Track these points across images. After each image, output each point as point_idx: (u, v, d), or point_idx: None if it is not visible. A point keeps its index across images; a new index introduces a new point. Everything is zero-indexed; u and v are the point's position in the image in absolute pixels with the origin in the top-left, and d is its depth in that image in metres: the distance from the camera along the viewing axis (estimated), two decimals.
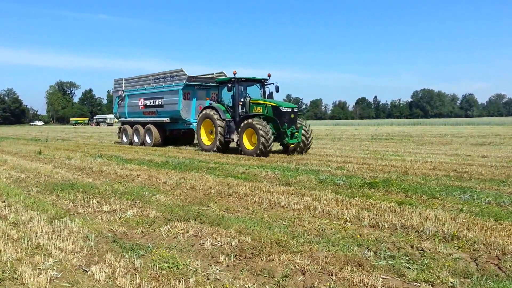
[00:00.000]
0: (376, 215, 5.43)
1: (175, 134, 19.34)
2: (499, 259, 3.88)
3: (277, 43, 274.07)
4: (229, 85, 14.51)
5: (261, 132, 12.83)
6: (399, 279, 3.52)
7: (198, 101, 17.64)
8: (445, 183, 7.72)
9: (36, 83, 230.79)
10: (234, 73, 14.49)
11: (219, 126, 14.55)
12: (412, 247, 4.26)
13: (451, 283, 3.38)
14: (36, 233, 4.93)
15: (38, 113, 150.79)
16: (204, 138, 15.54)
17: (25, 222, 5.40)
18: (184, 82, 17.09)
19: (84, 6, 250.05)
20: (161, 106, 18.39)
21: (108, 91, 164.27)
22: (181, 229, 4.98)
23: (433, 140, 21.38)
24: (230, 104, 14.93)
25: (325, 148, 16.92)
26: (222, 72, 18.25)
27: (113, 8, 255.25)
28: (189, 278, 3.55)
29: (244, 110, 14.50)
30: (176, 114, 17.57)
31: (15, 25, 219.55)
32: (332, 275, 3.61)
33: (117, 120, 23.97)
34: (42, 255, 4.19)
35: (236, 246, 4.37)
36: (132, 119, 20.70)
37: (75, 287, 3.49)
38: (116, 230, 5.05)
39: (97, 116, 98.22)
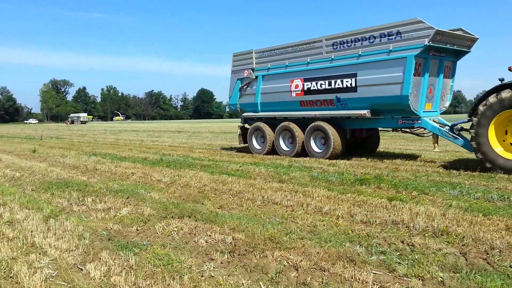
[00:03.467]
0: (368, 211, 5.50)
1: (357, 137, 12.21)
2: (488, 254, 3.96)
3: (272, 41, 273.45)
4: None
5: None
6: (390, 274, 3.59)
7: (430, 78, 10.41)
8: (434, 179, 7.82)
9: (30, 81, 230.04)
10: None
11: None
12: (402, 242, 4.34)
13: (441, 277, 3.45)
14: (31, 231, 4.95)
15: (32, 111, 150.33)
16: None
17: (20, 221, 5.42)
18: (425, 44, 9.44)
19: (77, 4, 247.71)
20: (349, 89, 10.91)
21: (102, 89, 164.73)
22: (176, 227, 5.03)
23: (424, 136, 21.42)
24: None
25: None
26: (460, 29, 10.64)
27: (106, 6, 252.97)
28: (184, 275, 3.60)
29: None
30: (394, 102, 10.14)
31: (8, 23, 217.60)
32: (324, 271, 3.68)
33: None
34: (37, 254, 4.22)
35: (230, 243, 4.43)
36: (271, 114, 13.10)
37: (70, 286, 3.53)
38: (111, 228, 5.08)
39: (72, 115, 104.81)
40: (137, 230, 5.04)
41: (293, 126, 12.14)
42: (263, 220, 5.30)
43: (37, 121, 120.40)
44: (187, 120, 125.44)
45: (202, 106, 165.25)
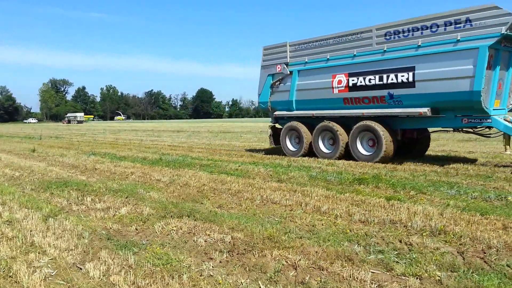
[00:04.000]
0: (366, 211, 5.52)
1: (408, 138, 10.94)
2: (485, 253, 3.98)
3: (270, 41, 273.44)
4: None
5: None
6: (388, 273, 3.61)
7: (500, 72, 9.36)
8: (432, 179, 7.85)
9: (29, 80, 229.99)
10: None
11: None
12: (400, 241, 4.36)
13: (438, 276, 3.47)
14: (31, 231, 4.96)
15: (31, 110, 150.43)
16: None
17: (19, 220, 5.43)
18: (502, 32, 8.41)
19: (77, 4, 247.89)
20: (405, 84, 9.71)
21: (102, 89, 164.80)
22: (175, 226, 5.04)
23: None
24: None
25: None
26: None
27: (106, 6, 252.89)
28: (183, 275, 3.62)
29: None
30: (462, 99, 9.00)
31: (7, 23, 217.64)
32: (323, 270, 3.69)
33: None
34: (37, 253, 4.23)
35: (229, 242, 4.44)
36: (308, 113, 11.96)
37: (69, 285, 3.54)
38: (110, 228, 5.10)
39: (68, 115, 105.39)
40: (136, 229, 5.05)
41: (335, 126, 11.07)
42: (262, 219, 5.32)
43: (37, 121, 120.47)
44: (187, 120, 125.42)
45: (202, 106, 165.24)
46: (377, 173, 8.54)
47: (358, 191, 6.84)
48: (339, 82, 11.12)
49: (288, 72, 12.38)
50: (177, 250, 4.26)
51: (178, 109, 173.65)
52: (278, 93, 12.80)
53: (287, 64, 12.44)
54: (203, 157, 12.56)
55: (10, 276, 3.70)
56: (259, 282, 3.50)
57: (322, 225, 5.03)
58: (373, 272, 3.60)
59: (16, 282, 3.59)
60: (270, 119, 13.70)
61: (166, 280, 3.52)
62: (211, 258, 4.04)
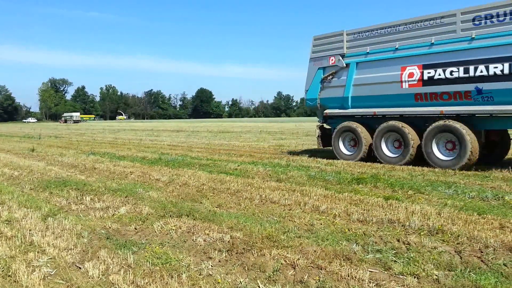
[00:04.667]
0: (364, 210, 5.54)
1: (490, 141, 9.67)
2: (482, 252, 4.00)
3: (269, 41, 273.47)
4: None
5: None
6: (386, 272, 3.63)
7: None
8: (430, 178, 7.87)
9: (29, 80, 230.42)
10: None
11: None
12: (398, 241, 4.38)
13: (436, 275, 3.49)
14: (30, 230, 4.97)
15: (31, 110, 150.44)
16: None
17: (18, 220, 5.44)
18: None
19: (77, 3, 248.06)
20: (499, 77, 8.42)
21: (101, 89, 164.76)
22: (174, 226, 5.06)
23: None
24: None
25: (314, 144, 17.00)
26: None
27: (105, 6, 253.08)
28: (182, 274, 3.63)
29: None
30: None
31: (7, 22, 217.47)
32: (321, 269, 3.71)
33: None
34: (36, 253, 4.24)
35: (228, 241, 4.46)
36: (368, 111, 10.67)
37: (68, 284, 3.55)
38: (110, 227, 5.11)
39: (65, 114, 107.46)
40: (135, 229, 5.07)
41: (404, 126, 9.69)
42: (260, 219, 5.33)
43: (36, 120, 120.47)
44: (186, 120, 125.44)
45: (201, 106, 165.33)
46: (375, 172, 8.56)
47: (357, 191, 6.86)
48: (410, 75, 9.67)
49: (344, 65, 11.00)
50: (176, 250, 4.27)
51: (178, 109, 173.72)
52: (330, 88, 11.36)
53: (342, 56, 11.09)
54: (202, 156, 12.57)
55: (9, 276, 3.71)
56: (258, 281, 3.52)
57: (321, 224, 5.05)
58: (371, 271, 3.62)
59: (15, 281, 3.60)
60: (312, 118, 12.52)
61: (165, 279, 3.54)
62: (210, 257, 4.06)
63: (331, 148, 11.64)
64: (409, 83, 9.75)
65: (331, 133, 11.53)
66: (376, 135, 10.31)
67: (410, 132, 9.62)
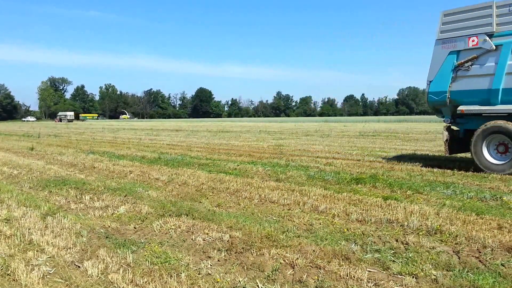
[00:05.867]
0: (363, 210, 5.55)
1: None
2: (480, 252, 4.02)
3: (269, 41, 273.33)
4: None
5: None
6: (384, 272, 3.64)
7: None
8: (429, 179, 7.89)
9: (28, 79, 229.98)
10: None
11: None
12: (397, 240, 4.39)
13: (434, 275, 3.50)
14: (29, 229, 4.98)
15: (30, 109, 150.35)
16: None
17: (17, 218, 5.45)
18: None
19: (76, 2, 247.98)
20: None
21: (101, 88, 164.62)
22: (173, 225, 5.06)
23: (418, 136, 21.51)
24: None
25: (314, 144, 17.03)
26: None
27: (105, 5, 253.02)
28: (181, 273, 3.64)
29: None
30: None
31: (6, 21, 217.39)
32: (320, 268, 3.72)
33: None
34: (35, 251, 4.24)
35: (227, 241, 4.47)
36: None
37: (68, 283, 3.56)
38: (109, 226, 5.11)
39: (60, 113, 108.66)
40: (134, 228, 5.07)
41: None
42: (260, 218, 5.34)
43: (35, 119, 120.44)
44: (185, 119, 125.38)
45: (201, 105, 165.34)
46: (374, 173, 8.57)
47: (356, 191, 6.87)
48: None
49: (493, 47, 8.49)
50: (175, 249, 4.28)
51: (177, 108, 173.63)
52: (468, 78, 8.91)
53: (490, 35, 8.58)
54: (201, 156, 12.57)
55: (8, 274, 3.72)
56: (257, 280, 3.52)
57: (320, 224, 5.06)
58: (369, 271, 3.63)
59: (14, 280, 3.61)
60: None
61: (164, 278, 3.54)
62: (209, 257, 4.07)
63: (458, 155, 9.74)
64: None
65: (463, 136, 9.30)
66: None
67: None
